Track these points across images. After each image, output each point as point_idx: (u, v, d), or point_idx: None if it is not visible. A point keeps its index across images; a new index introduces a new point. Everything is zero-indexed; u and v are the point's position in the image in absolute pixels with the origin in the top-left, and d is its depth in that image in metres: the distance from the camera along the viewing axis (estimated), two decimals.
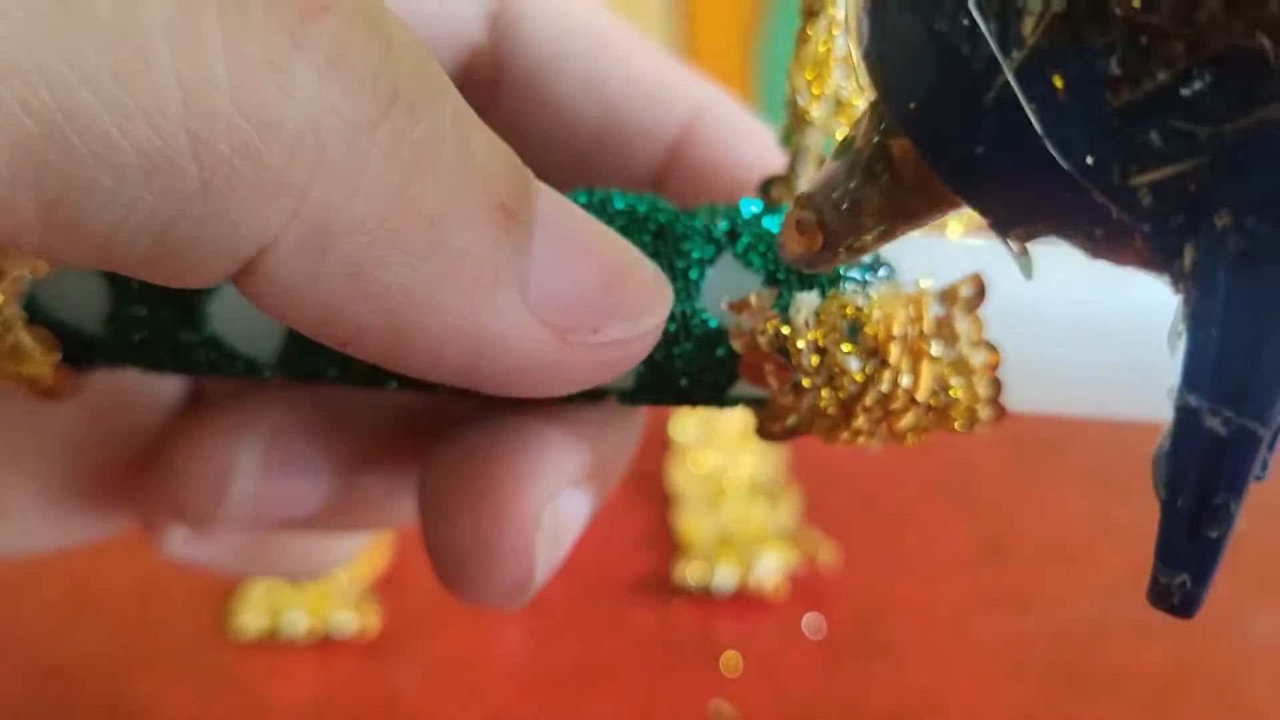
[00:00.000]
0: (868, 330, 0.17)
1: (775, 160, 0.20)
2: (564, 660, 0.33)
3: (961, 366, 0.18)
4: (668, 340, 0.18)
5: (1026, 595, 0.35)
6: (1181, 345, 0.11)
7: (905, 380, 0.17)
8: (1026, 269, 0.13)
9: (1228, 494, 0.12)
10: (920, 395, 0.17)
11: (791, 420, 0.18)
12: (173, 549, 0.21)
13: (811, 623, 0.34)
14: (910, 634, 0.34)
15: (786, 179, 0.19)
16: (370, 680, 0.33)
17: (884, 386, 0.17)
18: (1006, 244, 0.13)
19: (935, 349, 0.17)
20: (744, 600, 0.35)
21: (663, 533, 0.38)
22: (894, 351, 0.17)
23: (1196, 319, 0.11)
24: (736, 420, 0.42)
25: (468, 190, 0.14)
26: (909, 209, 0.14)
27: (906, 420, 0.18)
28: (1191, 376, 0.11)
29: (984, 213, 0.12)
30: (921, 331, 0.17)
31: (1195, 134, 0.10)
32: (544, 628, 0.35)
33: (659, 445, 0.41)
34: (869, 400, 0.18)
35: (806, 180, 0.19)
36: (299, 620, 0.34)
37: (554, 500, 0.19)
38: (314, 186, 0.13)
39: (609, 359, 0.16)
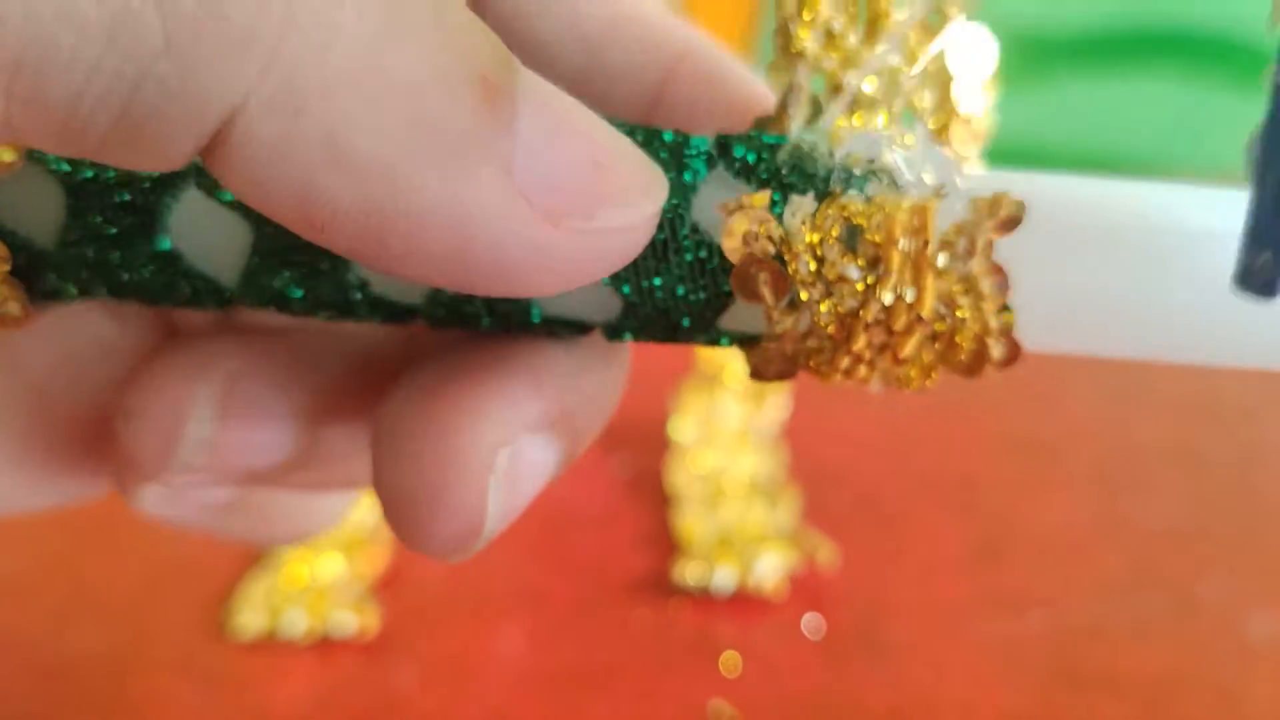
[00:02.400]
0: (868, 237, 0.16)
1: (762, 104, 0.19)
2: (563, 660, 0.33)
3: (971, 284, 0.17)
4: (656, 253, 0.17)
5: (1025, 595, 0.35)
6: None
7: (909, 294, 0.16)
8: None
9: None
10: (925, 311, 0.16)
11: (787, 348, 0.17)
12: (144, 504, 0.21)
13: (811, 623, 0.34)
14: (909, 634, 0.34)
15: (778, 119, 0.18)
16: (370, 680, 0.33)
17: (886, 297, 0.16)
18: None
19: (941, 261, 0.16)
20: (743, 600, 0.35)
21: (662, 533, 0.38)
22: (896, 259, 0.16)
23: None
24: (736, 420, 0.42)
25: (446, 59, 0.14)
26: None
27: (910, 346, 0.17)
28: None
29: None
30: (925, 241, 0.16)
31: None
32: (543, 627, 0.35)
33: (658, 445, 0.41)
34: (870, 315, 0.16)
35: (798, 118, 0.18)
36: (298, 620, 0.34)
37: (511, 445, 0.18)
38: (284, 43, 0.13)
39: (604, 248, 0.15)
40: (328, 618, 0.34)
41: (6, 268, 0.17)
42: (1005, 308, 0.17)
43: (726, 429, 0.42)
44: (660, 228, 0.17)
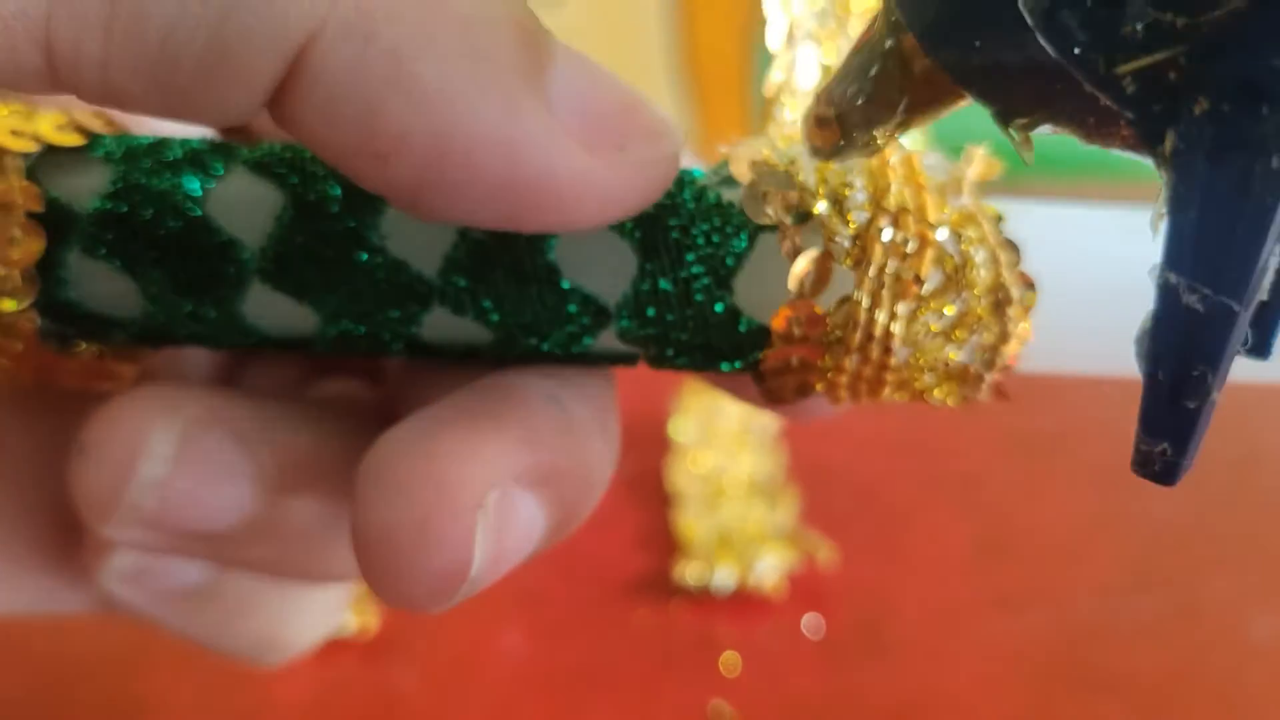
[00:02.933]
0: (867, 165, 0.17)
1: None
2: (563, 660, 0.33)
3: (969, 219, 0.17)
4: (676, 203, 0.18)
5: (1026, 595, 0.35)
6: (1163, 227, 0.12)
7: (907, 192, 0.17)
8: (1027, 157, 0.14)
9: (1205, 366, 0.13)
10: (932, 215, 0.17)
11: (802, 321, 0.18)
12: (109, 585, 0.20)
13: (811, 622, 0.34)
14: (909, 634, 0.34)
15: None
16: (369, 680, 0.33)
17: (891, 202, 0.17)
18: (1009, 133, 0.14)
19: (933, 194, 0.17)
20: (743, 600, 0.35)
21: (662, 533, 0.38)
22: (893, 181, 0.17)
23: (1176, 201, 0.12)
24: (736, 420, 0.42)
25: (492, 5, 0.15)
26: (920, 101, 0.15)
27: (927, 263, 0.17)
28: (1172, 256, 0.12)
29: (987, 104, 0.14)
30: (919, 184, 0.17)
31: (1173, 24, 0.11)
32: (543, 627, 0.35)
33: (658, 445, 0.41)
34: (880, 226, 0.17)
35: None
36: None
37: (501, 488, 0.17)
38: None
39: (636, 177, 0.16)
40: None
41: (42, 244, 0.18)
42: (1010, 240, 0.17)
43: (726, 429, 0.42)
44: (668, 194, 0.18)
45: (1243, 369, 0.18)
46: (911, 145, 0.18)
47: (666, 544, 0.37)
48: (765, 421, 0.42)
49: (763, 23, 0.20)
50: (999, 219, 0.18)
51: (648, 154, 0.16)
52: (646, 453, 0.41)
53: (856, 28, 0.20)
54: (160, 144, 0.19)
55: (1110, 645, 0.33)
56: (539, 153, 0.15)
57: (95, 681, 0.33)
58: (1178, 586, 0.35)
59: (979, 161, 0.17)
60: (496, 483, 0.17)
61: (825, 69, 0.20)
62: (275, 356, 0.23)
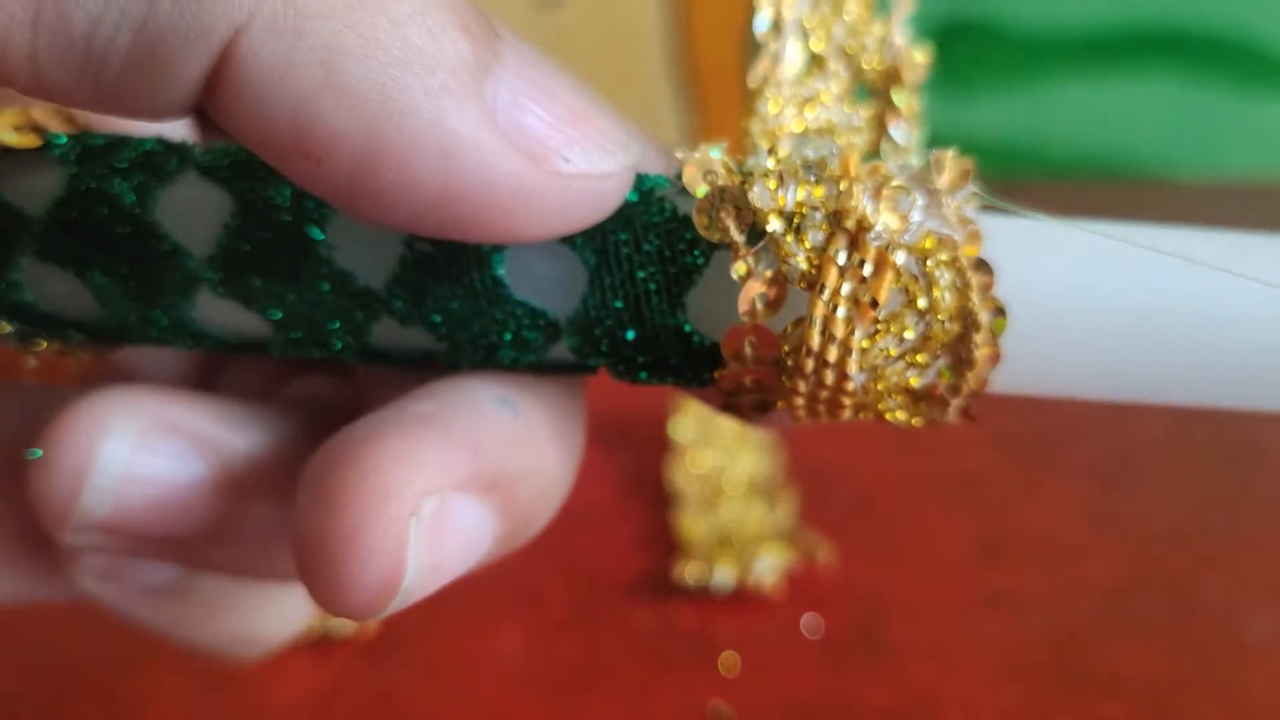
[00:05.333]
0: (826, 173, 0.17)
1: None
2: (562, 659, 0.33)
3: (942, 240, 0.16)
4: (629, 215, 0.17)
5: (1024, 595, 0.35)
6: None
7: (878, 219, 0.16)
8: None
9: None
10: (893, 229, 0.16)
11: (756, 295, 0.17)
12: (83, 582, 0.20)
13: (809, 622, 0.34)
14: (908, 633, 0.34)
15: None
16: (367, 679, 0.33)
17: (849, 222, 0.16)
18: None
19: (902, 202, 0.16)
20: (742, 600, 0.35)
21: (661, 532, 0.38)
22: (855, 182, 0.16)
23: None
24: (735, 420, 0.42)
25: (432, 6, 0.15)
26: None
27: (885, 284, 0.16)
28: None
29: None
30: (884, 176, 0.16)
31: None
32: (542, 627, 0.35)
33: (658, 445, 0.41)
34: (839, 245, 0.16)
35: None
36: None
37: (438, 495, 0.17)
38: None
39: (581, 191, 0.16)
40: (326, 617, 0.34)
41: None
42: (984, 261, 0.16)
43: (725, 429, 0.42)
44: (632, 194, 0.17)
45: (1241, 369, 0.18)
46: (900, 145, 0.18)
47: (666, 544, 0.37)
48: None
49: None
50: (975, 237, 0.16)
51: (595, 167, 0.16)
52: (646, 453, 0.41)
53: (853, 11, 0.19)
54: (115, 144, 0.18)
55: (1108, 645, 0.33)
56: (476, 160, 0.15)
57: (94, 680, 0.33)
58: (1175, 587, 0.35)
59: (950, 167, 0.16)
60: (432, 490, 0.17)
61: (816, 59, 0.19)
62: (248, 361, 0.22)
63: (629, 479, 0.40)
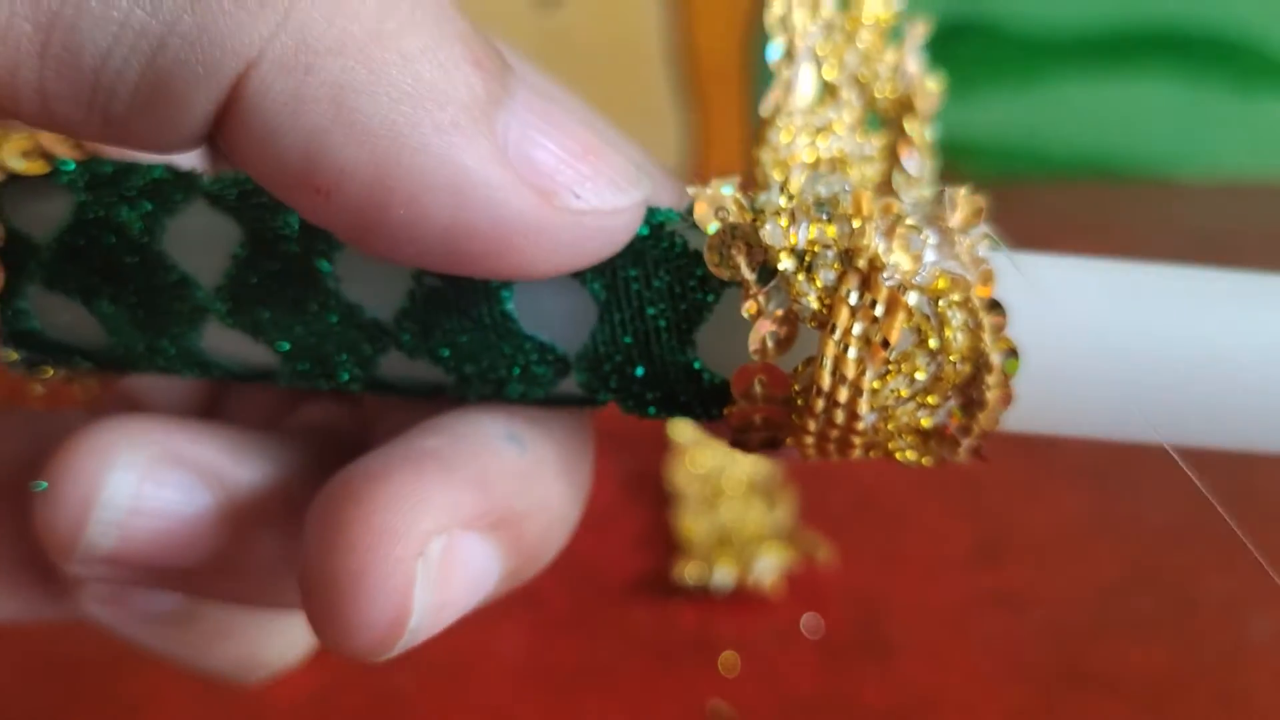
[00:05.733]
0: (839, 210, 0.16)
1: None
2: (563, 659, 0.33)
3: (955, 280, 0.16)
4: (639, 250, 0.17)
5: (1024, 594, 0.35)
6: None
7: (889, 257, 0.16)
8: None
9: None
10: (905, 271, 0.16)
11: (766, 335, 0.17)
12: (85, 607, 0.20)
13: (809, 622, 0.34)
14: (908, 633, 0.34)
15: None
16: (368, 679, 0.33)
17: (861, 262, 0.16)
18: None
19: (914, 240, 0.16)
20: (742, 599, 0.35)
21: (662, 532, 0.38)
22: (868, 218, 0.16)
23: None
24: None
25: (444, 40, 0.15)
26: None
27: (897, 324, 0.16)
28: None
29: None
30: (897, 214, 0.16)
31: None
32: (543, 626, 0.35)
33: (659, 445, 0.41)
34: (850, 285, 0.16)
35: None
36: None
37: (445, 535, 0.17)
38: (297, 4, 0.14)
39: (592, 227, 0.16)
40: None
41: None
42: (997, 302, 0.16)
43: None
44: (644, 225, 0.17)
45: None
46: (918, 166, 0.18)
47: (666, 543, 0.37)
48: None
49: (762, 24, 0.19)
50: (988, 277, 0.16)
51: (607, 203, 0.16)
52: (646, 453, 0.41)
53: (866, 39, 0.19)
54: (123, 171, 0.18)
55: (1107, 644, 0.33)
56: (487, 197, 0.15)
57: (94, 681, 0.33)
58: (1174, 586, 0.35)
59: (963, 205, 0.16)
60: (440, 530, 0.16)
61: (828, 87, 0.19)
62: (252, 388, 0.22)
63: (629, 479, 0.41)
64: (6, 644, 0.34)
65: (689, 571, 0.36)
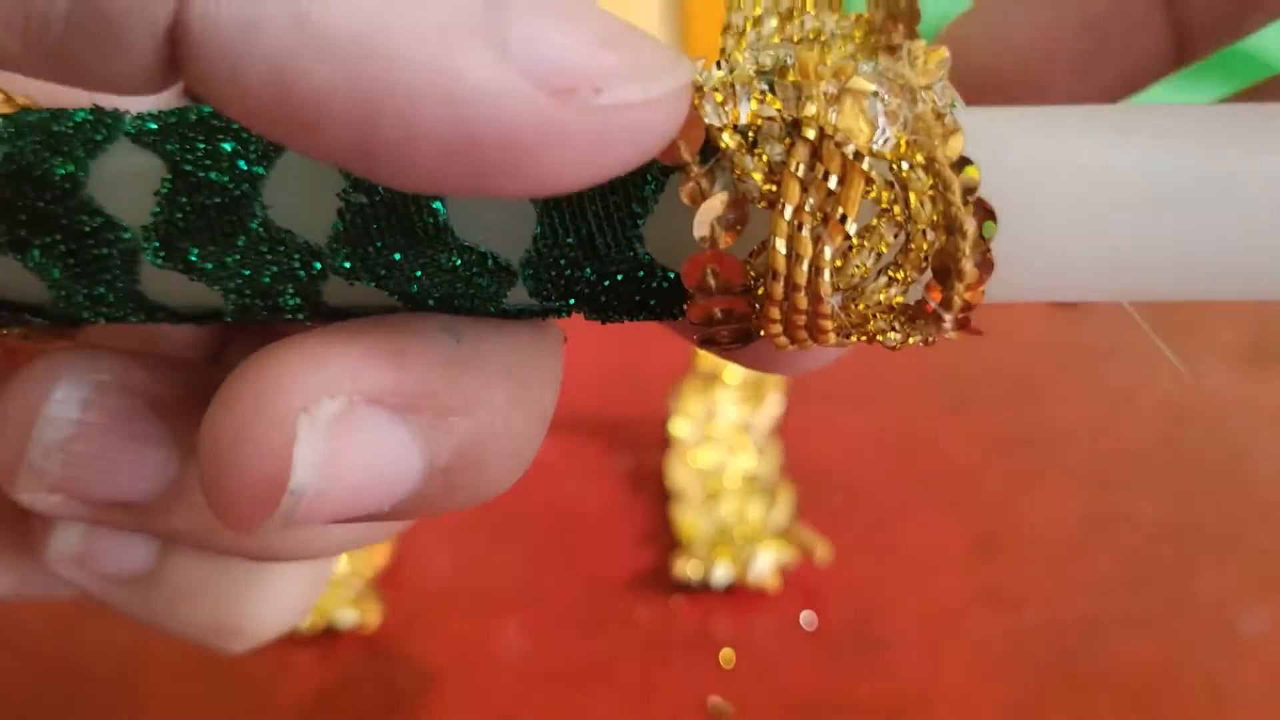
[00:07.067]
0: (787, 79, 0.15)
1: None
2: (563, 654, 0.34)
3: (917, 142, 0.15)
4: None
5: (1019, 591, 0.35)
6: None
7: (832, 113, 0.15)
8: None
9: None
10: (860, 143, 0.14)
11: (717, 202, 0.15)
12: (52, 560, 0.20)
13: (807, 618, 0.35)
14: (904, 629, 0.34)
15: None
16: (371, 676, 0.33)
17: (810, 132, 0.15)
18: None
19: (873, 104, 0.15)
20: (740, 595, 0.35)
21: (661, 528, 0.38)
22: (817, 88, 0.15)
23: None
24: (734, 418, 0.42)
25: None
26: None
27: (854, 193, 0.15)
28: None
29: None
30: (848, 76, 0.15)
31: None
32: (543, 622, 0.35)
33: (659, 442, 0.42)
34: (800, 157, 0.15)
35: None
36: None
37: (341, 399, 0.15)
38: None
39: (618, 126, 0.13)
40: (330, 614, 0.34)
41: None
42: (967, 160, 0.15)
43: (725, 426, 0.42)
44: None
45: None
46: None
47: (666, 540, 0.38)
48: (763, 420, 0.42)
49: None
50: (955, 134, 0.15)
51: (633, 94, 0.13)
52: (646, 450, 0.42)
53: None
54: (50, 118, 0.17)
55: (1101, 641, 0.33)
56: (492, 105, 0.13)
57: (96, 680, 0.33)
58: (1168, 582, 0.35)
59: (923, 58, 0.15)
60: (334, 391, 0.15)
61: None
62: (256, 330, 0.22)
63: (629, 476, 0.41)
64: (7, 644, 0.34)
65: (689, 568, 0.36)
